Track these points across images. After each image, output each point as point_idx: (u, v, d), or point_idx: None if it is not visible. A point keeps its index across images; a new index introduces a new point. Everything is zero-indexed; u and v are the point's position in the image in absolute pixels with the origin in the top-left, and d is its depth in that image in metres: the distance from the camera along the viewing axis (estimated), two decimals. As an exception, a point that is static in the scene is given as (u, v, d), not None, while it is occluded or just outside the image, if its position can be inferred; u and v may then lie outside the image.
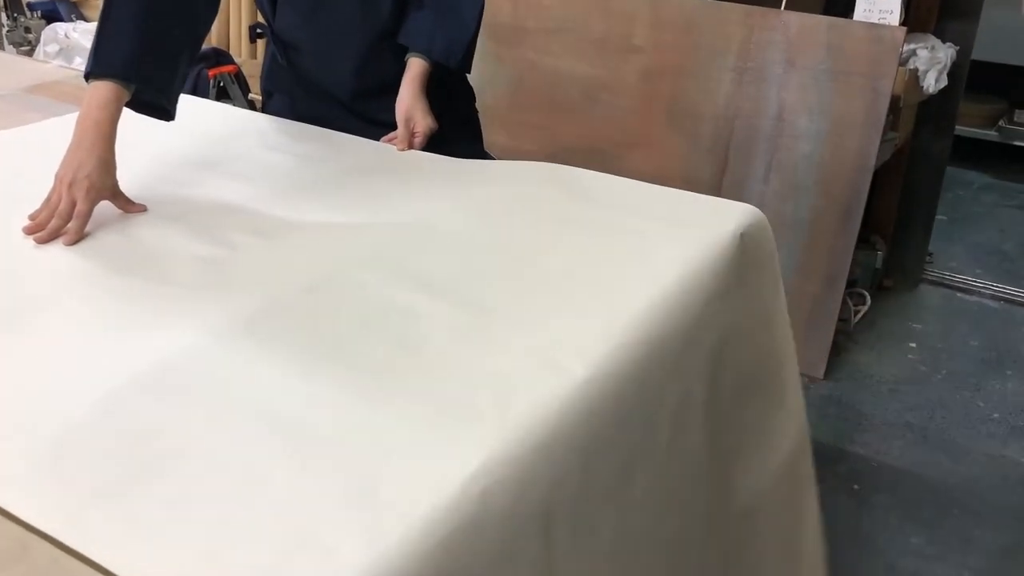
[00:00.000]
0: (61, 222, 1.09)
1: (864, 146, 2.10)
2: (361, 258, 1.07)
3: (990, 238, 3.23)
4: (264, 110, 1.63)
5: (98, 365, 0.84)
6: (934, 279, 2.87)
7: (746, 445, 1.13)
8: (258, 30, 1.56)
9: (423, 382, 0.83)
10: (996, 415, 2.17)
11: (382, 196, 1.26)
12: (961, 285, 2.83)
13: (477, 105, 1.69)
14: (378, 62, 1.50)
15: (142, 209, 1.17)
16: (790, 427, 1.20)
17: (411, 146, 1.44)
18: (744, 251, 1.11)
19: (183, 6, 1.25)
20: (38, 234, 1.08)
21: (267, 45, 1.59)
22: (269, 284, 1.00)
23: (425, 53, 1.46)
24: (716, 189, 2.29)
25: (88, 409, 0.78)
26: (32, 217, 1.11)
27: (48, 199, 1.12)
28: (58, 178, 1.12)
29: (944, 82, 2.35)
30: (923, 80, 2.31)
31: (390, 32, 1.48)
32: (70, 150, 1.14)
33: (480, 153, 1.64)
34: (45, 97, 1.60)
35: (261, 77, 1.62)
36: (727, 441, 1.08)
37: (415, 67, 1.46)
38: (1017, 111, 3.73)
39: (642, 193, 1.25)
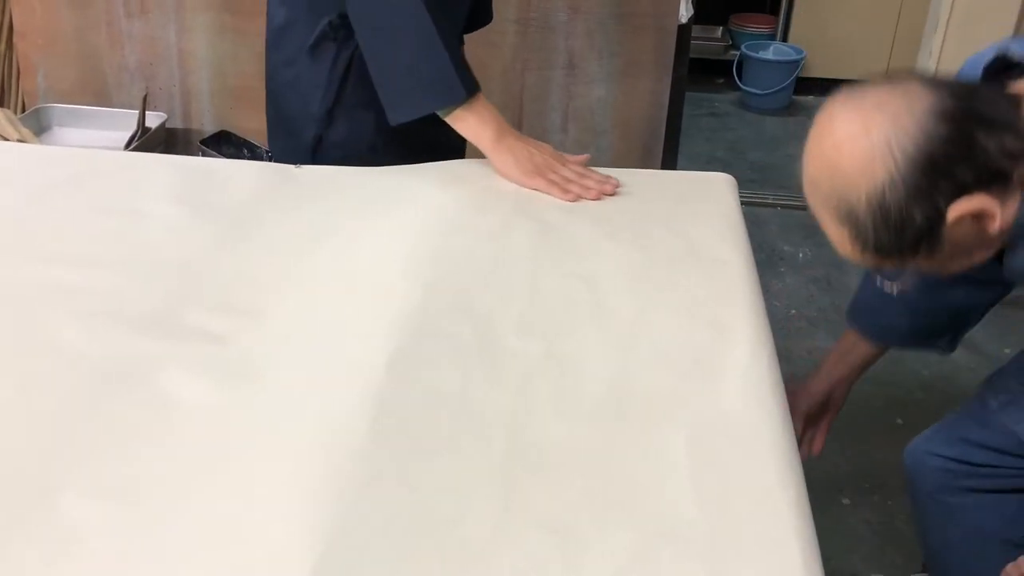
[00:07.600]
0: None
1: (656, 84, 2.16)
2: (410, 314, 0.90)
3: (703, 148, 3.52)
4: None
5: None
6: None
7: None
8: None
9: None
10: (793, 311, 2.40)
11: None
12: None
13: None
14: None
15: None
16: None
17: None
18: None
19: None
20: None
21: (332, 50, 1.23)
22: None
23: None
24: (515, 145, 2.24)
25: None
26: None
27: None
28: None
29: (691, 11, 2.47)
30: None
31: None
32: None
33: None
34: None
35: (320, 96, 1.25)
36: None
37: None
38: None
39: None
